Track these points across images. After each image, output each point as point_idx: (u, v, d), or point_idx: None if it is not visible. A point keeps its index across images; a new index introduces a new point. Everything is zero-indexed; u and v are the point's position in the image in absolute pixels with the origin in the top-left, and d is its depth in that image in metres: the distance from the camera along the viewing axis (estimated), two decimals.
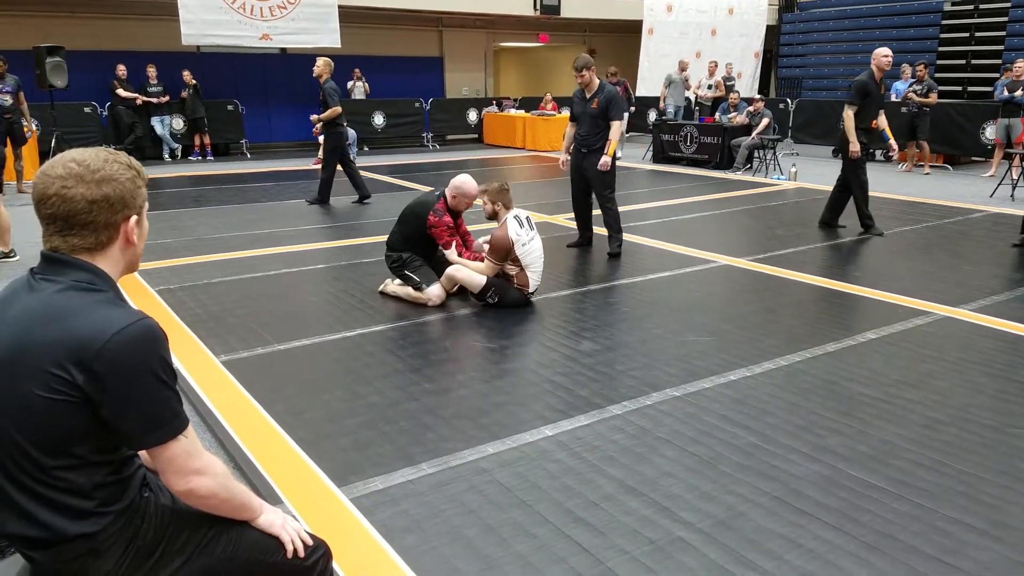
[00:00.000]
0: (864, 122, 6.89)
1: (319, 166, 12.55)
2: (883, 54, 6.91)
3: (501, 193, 4.75)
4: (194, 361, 3.92)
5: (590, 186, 6.25)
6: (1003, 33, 14.39)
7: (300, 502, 2.60)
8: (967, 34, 15.11)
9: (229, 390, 3.56)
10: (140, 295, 5.11)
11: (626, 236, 6.48)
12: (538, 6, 15.99)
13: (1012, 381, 3.61)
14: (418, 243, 4.96)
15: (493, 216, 4.82)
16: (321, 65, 8.46)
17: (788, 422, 3.17)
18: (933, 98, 11.25)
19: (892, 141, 7.34)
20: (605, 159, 6.00)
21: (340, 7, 13.61)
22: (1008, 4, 14.60)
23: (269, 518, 1.62)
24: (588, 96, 6.02)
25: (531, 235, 4.76)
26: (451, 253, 4.85)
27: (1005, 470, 2.78)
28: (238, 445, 3.02)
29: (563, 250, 6.53)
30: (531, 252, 4.72)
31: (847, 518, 2.48)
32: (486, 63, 18.53)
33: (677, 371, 3.75)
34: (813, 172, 11.36)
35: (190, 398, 3.48)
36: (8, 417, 1.37)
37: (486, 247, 4.88)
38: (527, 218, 4.81)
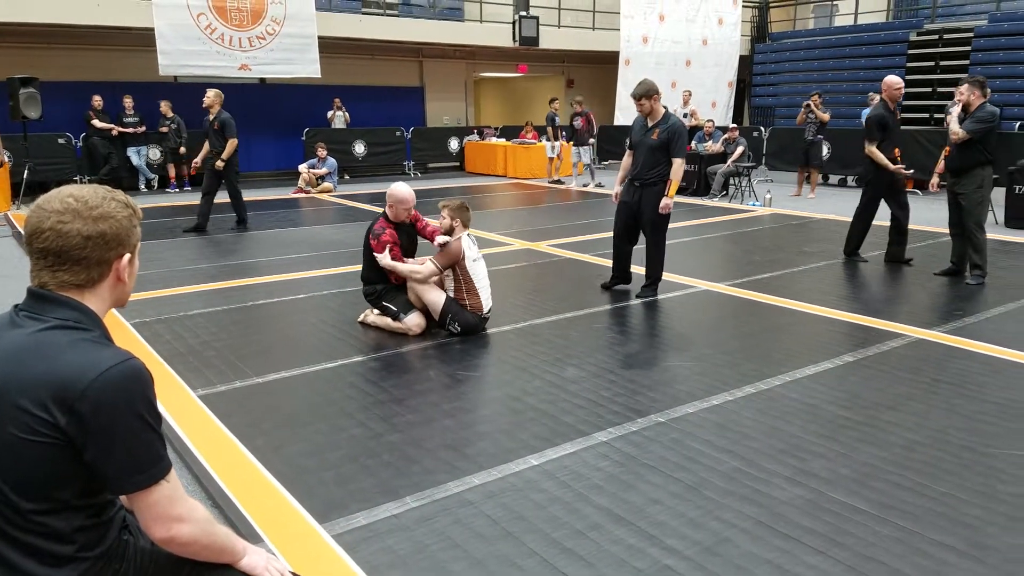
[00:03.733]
0: (888, 152, 6.57)
1: (300, 195, 12.63)
2: (895, 85, 6.59)
3: (461, 210, 4.83)
4: (171, 396, 3.86)
5: (639, 223, 5.75)
6: (967, 62, 14.82)
7: (281, 540, 2.55)
8: (932, 63, 15.55)
9: (207, 425, 3.51)
10: (116, 328, 5.02)
11: (607, 262, 6.34)
12: (517, 38, 16.22)
13: (986, 402, 3.67)
14: (381, 268, 4.94)
15: (449, 231, 4.85)
16: (212, 96, 8.57)
17: (771, 446, 3.19)
18: (826, 117, 11.87)
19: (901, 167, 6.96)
20: (667, 202, 5.51)
21: (320, 38, 13.69)
22: (971, 34, 15.07)
23: (252, 560, 1.59)
24: (650, 125, 5.58)
25: (478, 255, 4.84)
26: (382, 257, 4.82)
27: (983, 490, 2.82)
28: (216, 482, 2.96)
29: (544, 277, 6.56)
30: (478, 272, 4.78)
31: (832, 542, 2.49)
32: (467, 92, 18.71)
33: (661, 396, 3.76)
34: (787, 198, 11.57)
35: (166, 434, 3.42)
36: None
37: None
38: (475, 239, 4.90)
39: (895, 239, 6.85)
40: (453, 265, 4.75)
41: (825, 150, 13.29)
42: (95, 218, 1.40)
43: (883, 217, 6.88)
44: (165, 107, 12.96)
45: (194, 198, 12.27)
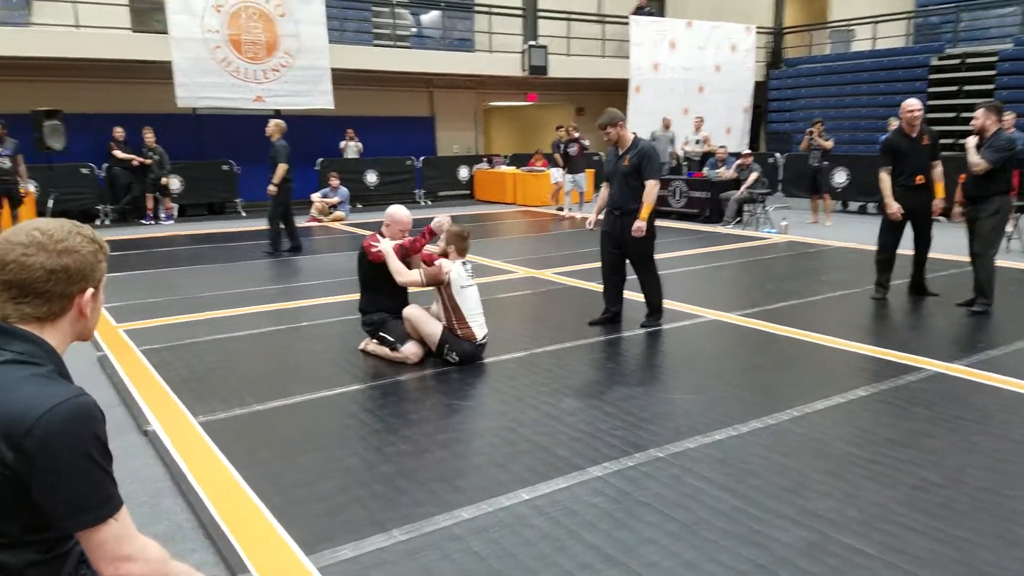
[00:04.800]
0: (907, 180, 6.28)
1: (312, 223, 12.71)
2: (907, 108, 6.36)
3: (457, 238, 4.80)
4: (171, 422, 3.85)
5: (625, 253, 5.65)
6: (992, 87, 14.54)
7: (266, 570, 2.51)
8: (956, 88, 15.34)
9: (204, 452, 3.48)
10: (125, 353, 5.05)
11: None
12: (526, 67, 16.32)
13: (1009, 440, 3.50)
14: (377, 290, 4.92)
15: (443, 255, 4.82)
16: (272, 126, 9.24)
17: (774, 484, 3.07)
18: (827, 144, 11.98)
19: (937, 200, 6.35)
20: (639, 224, 5.35)
21: (333, 70, 13.87)
22: (995, 58, 14.85)
23: None
24: (621, 153, 5.53)
25: (469, 283, 4.76)
26: (384, 242, 4.82)
27: (1001, 535, 2.67)
28: (208, 509, 2.93)
29: (546, 305, 6.48)
30: (467, 299, 4.70)
31: None
32: (476, 122, 18.84)
33: (661, 430, 3.65)
34: (804, 225, 11.42)
35: (164, 460, 3.40)
36: None
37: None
38: (471, 267, 4.85)
39: (915, 269, 6.64)
40: (439, 289, 4.70)
41: (843, 177, 13.14)
42: (59, 252, 1.40)
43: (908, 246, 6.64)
44: (148, 138, 12.42)
45: (210, 226, 12.47)
